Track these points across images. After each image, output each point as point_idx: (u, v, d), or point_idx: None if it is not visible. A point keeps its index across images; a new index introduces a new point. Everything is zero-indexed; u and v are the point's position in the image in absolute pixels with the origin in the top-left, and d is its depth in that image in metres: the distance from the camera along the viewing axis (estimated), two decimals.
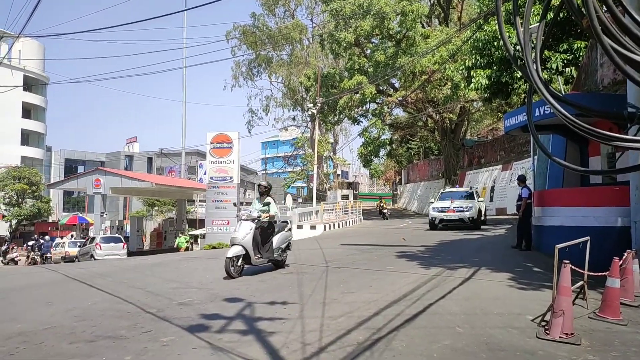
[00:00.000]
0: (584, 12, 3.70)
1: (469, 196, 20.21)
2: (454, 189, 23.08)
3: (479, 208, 19.47)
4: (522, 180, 11.82)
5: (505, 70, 14.95)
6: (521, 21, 4.94)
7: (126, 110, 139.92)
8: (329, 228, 23.05)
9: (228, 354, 4.21)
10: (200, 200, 41.37)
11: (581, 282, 5.62)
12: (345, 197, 40.47)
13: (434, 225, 19.65)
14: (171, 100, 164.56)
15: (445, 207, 19.36)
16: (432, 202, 21.05)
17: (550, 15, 7.15)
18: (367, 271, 8.79)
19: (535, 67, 4.34)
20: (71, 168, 56.19)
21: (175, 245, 29.51)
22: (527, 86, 14.25)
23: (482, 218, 20.26)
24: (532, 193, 11.48)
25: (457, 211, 18.99)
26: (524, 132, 11.82)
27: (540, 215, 10.37)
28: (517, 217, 11.82)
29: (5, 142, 45.90)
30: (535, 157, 12.97)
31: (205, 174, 32.86)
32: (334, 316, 5.42)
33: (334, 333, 4.75)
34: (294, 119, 50.26)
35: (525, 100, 17.02)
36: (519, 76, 14.80)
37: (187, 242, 28.97)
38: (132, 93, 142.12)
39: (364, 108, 33.23)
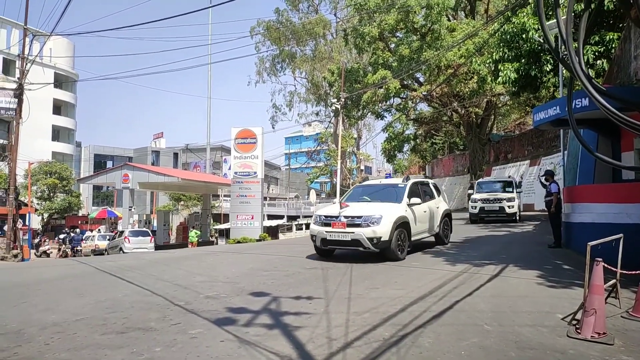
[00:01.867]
0: (631, 2, 3.58)
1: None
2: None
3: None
4: (550, 175, 11.56)
5: (534, 64, 14.61)
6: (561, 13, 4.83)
7: (153, 106, 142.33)
8: None
9: (255, 347, 4.26)
10: (224, 195, 41.85)
11: (613, 281, 5.47)
12: None
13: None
14: (197, 96, 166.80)
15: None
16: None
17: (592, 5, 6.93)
18: (392, 267, 8.74)
19: (578, 60, 4.22)
20: (100, 163, 57.55)
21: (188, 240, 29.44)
22: (557, 80, 13.95)
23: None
24: (560, 188, 11.21)
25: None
26: (553, 126, 11.52)
27: (570, 211, 10.13)
28: (547, 213, 11.55)
29: (37, 138, 47.21)
30: (565, 152, 12.65)
31: (229, 169, 33.20)
32: (359, 312, 5.42)
33: (359, 329, 4.75)
34: (317, 114, 50.23)
35: (554, 94, 16.66)
36: (548, 70, 14.46)
37: (197, 236, 28.98)
38: (159, 89, 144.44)
39: (388, 103, 32.90)
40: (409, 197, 10.06)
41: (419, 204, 10.28)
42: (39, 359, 4.08)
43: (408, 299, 5.92)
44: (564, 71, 12.04)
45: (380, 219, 8.93)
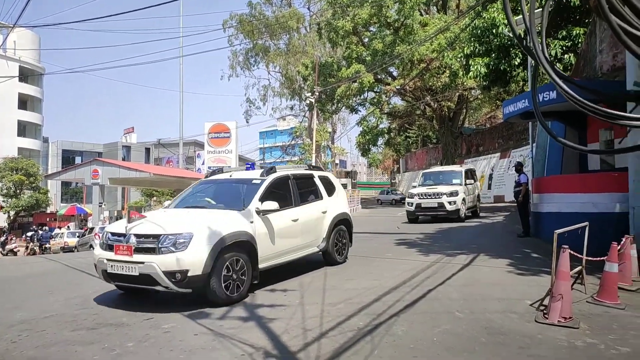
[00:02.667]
0: None
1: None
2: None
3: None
4: (520, 166, 11.84)
5: (504, 58, 14.88)
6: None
7: (123, 100, 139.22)
8: None
9: (230, 340, 4.25)
10: None
11: (579, 267, 5.65)
12: (343, 186, 40.45)
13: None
14: (168, 89, 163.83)
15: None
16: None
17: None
18: (366, 258, 8.82)
19: (541, 48, 4.36)
20: (68, 159, 56.01)
21: None
22: (526, 74, 14.25)
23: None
24: (529, 179, 11.50)
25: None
26: (522, 119, 11.82)
27: (538, 201, 10.40)
28: (515, 203, 11.82)
29: (2, 134, 45.69)
30: (534, 144, 12.97)
31: (203, 164, 32.84)
32: (334, 303, 5.45)
33: (334, 319, 4.78)
34: (291, 108, 49.98)
35: (524, 88, 17.02)
36: (517, 64, 14.75)
37: None
38: (128, 83, 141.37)
39: (362, 97, 33.04)
40: (262, 200, 6.57)
41: (279, 210, 6.69)
42: (8, 357, 3.97)
43: (382, 289, 5.99)
44: (532, 63, 12.31)
45: (190, 238, 5.41)
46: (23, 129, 51.55)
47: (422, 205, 16.34)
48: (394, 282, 6.39)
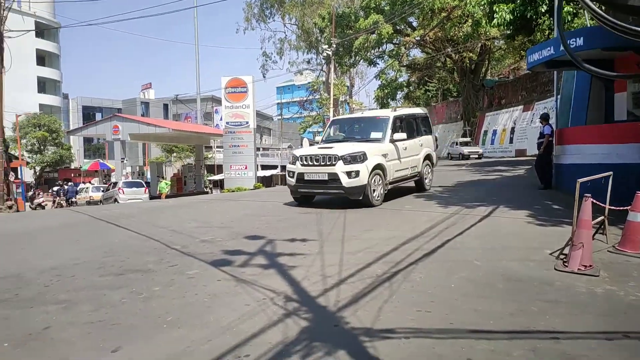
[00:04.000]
0: None
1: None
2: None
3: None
4: (545, 118, 11.53)
5: (530, 4, 14.22)
6: None
7: (140, 56, 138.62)
8: None
9: (251, 285, 4.37)
10: (217, 147, 41.59)
11: (601, 217, 5.59)
12: None
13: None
14: (184, 43, 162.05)
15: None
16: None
17: None
18: (386, 210, 8.87)
19: None
20: (89, 115, 56.59)
21: (157, 192, 26.73)
22: (552, 22, 13.64)
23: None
24: (554, 131, 11.23)
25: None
26: (547, 68, 11.35)
27: (560, 153, 10.20)
28: (537, 155, 11.58)
29: (23, 90, 46.10)
30: (559, 96, 12.57)
31: (221, 119, 32.77)
32: (352, 252, 5.53)
33: (353, 267, 4.86)
34: (308, 62, 49.02)
35: (549, 37, 16.33)
36: (543, 11, 14.10)
37: (167, 186, 27.46)
38: (145, 36, 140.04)
39: (381, 49, 32.25)
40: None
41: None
42: (39, 300, 4.16)
43: (401, 239, 6.03)
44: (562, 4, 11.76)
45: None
46: (43, 85, 51.98)
47: (306, 178, 9.60)
48: (412, 233, 6.43)
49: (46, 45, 52.27)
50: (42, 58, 52.16)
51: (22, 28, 40.86)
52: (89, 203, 27.56)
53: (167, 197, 24.20)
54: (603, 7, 5.70)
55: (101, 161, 45.23)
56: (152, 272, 4.95)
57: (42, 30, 50.12)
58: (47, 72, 52.27)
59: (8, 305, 4.05)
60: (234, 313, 3.66)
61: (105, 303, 4.00)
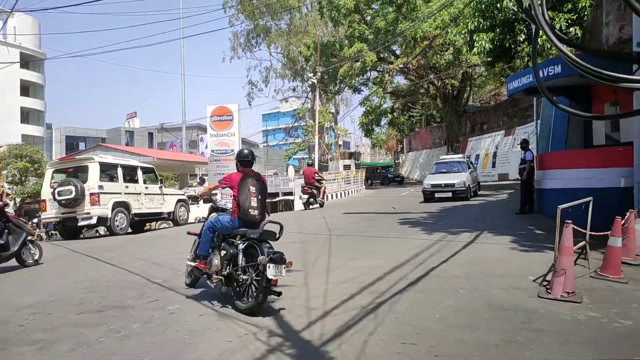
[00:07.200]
0: None
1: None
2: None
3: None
4: (524, 144, 11.75)
5: (509, 34, 14.65)
6: None
7: (125, 85, 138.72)
8: (332, 198, 23.10)
9: (234, 320, 4.28)
10: (202, 175, 41.40)
11: (583, 242, 5.63)
12: (347, 167, 40.40)
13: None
14: (170, 73, 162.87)
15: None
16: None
17: None
18: (370, 238, 8.84)
19: (541, 10, 4.29)
20: (72, 145, 56.05)
21: None
22: (530, 49, 14.02)
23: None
24: (534, 156, 11.42)
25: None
26: (527, 94, 11.66)
27: (542, 178, 10.33)
28: (520, 181, 11.75)
29: (6, 121, 45.67)
30: (539, 121, 12.83)
31: (206, 147, 32.75)
32: (337, 282, 5.48)
33: (338, 298, 4.81)
34: (294, 89, 49.68)
35: (529, 64, 16.77)
36: (522, 39, 14.53)
37: None
38: (130, 66, 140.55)
39: (365, 76, 32.74)
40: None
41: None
42: (15, 340, 4.02)
43: (386, 268, 6.00)
44: (534, 29, 12.10)
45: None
46: (26, 115, 51.52)
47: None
48: (397, 261, 6.40)
49: (31, 75, 52.06)
50: (27, 88, 51.87)
51: (7, 59, 40.83)
52: None
53: None
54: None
55: None
56: (132, 308, 4.83)
57: (27, 61, 50.07)
58: (30, 103, 51.90)
59: None
60: (215, 350, 3.58)
61: (83, 342, 3.88)
